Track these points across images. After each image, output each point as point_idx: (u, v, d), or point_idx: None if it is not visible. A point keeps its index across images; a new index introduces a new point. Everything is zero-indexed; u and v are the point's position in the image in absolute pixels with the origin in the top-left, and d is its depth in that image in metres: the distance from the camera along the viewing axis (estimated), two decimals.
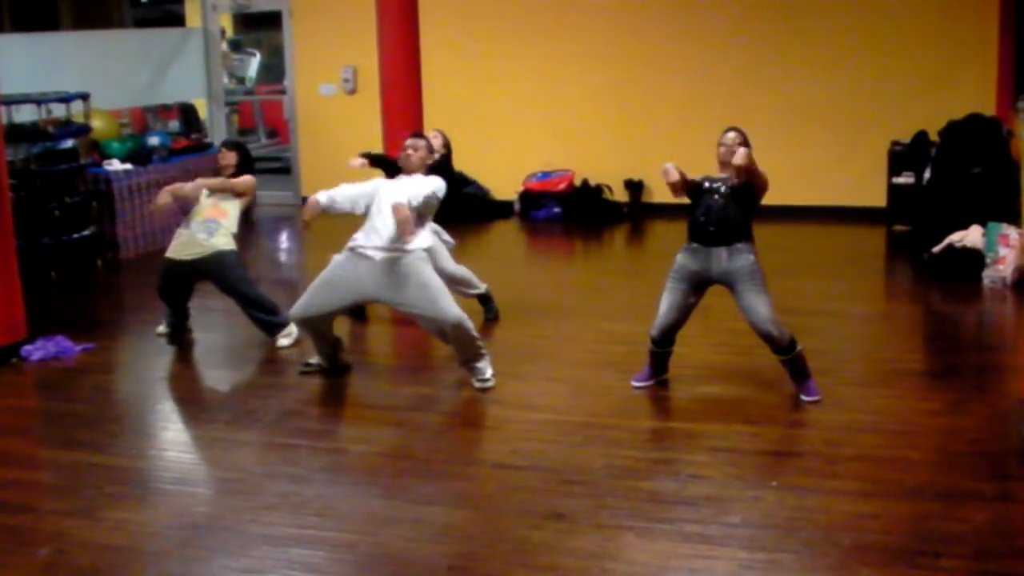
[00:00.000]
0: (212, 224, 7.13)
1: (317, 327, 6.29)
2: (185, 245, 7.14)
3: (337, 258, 6.23)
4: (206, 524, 4.61)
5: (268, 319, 7.13)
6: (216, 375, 7.03)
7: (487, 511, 4.67)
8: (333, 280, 6.18)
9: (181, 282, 7.28)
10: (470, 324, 6.06)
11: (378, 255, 6.07)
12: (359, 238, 6.17)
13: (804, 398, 5.77)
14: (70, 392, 6.45)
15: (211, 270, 7.12)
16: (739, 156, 5.57)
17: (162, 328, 7.48)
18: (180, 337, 7.45)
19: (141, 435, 5.80)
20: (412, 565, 4.18)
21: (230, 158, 7.36)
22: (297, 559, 4.25)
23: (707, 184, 5.81)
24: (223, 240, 7.14)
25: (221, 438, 5.75)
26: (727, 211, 5.72)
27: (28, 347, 6.96)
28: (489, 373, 6.17)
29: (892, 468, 4.91)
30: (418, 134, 6.77)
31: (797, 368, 5.79)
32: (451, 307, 6.03)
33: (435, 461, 5.26)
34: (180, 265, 7.16)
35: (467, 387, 6.34)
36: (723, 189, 5.74)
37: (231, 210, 7.21)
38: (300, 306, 6.23)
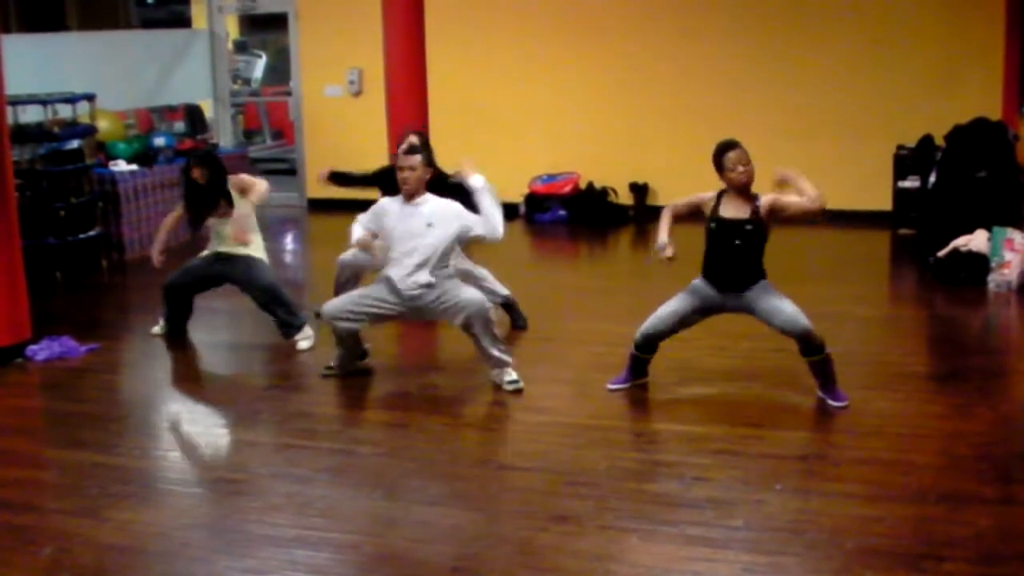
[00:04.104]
0: (238, 246, 7.14)
1: (349, 328, 6.29)
2: (220, 246, 7.19)
3: (378, 285, 6.29)
4: (210, 524, 4.62)
5: (289, 319, 7.13)
6: (221, 376, 7.05)
7: (491, 513, 4.68)
8: (370, 301, 6.24)
9: (202, 281, 7.28)
10: (487, 310, 6.13)
11: (414, 291, 6.15)
12: (392, 274, 6.19)
13: (833, 403, 5.70)
14: (75, 392, 6.46)
15: (240, 268, 7.13)
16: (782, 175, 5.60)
17: (157, 328, 7.48)
18: (181, 337, 7.45)
19: (145, 435, 5.80)
20: (416, 566, 4.19)
21: (198, 175, 7.13)
22: (301, 560, 4.25)
23: (718, 224, 5.70)
24: (255, 251, 7.19)
25: (225, 439, 5.76)
26: (744, 257, 5.68)
27: (33, 347, 6.97)
28: (515, 375, 6.16)
29: (896, 471, 4.90)
30: (412, 147, 6.49)
31: (827, 371, 5.74)
32: (472, 293, 6.18)
33: (439, 463, 5.26)
34: (210, 259, 7.19)
35: (472, 389, 6.35)
36: (744, 229, 5.65)
37: (249, 227, 7.14)
38: (336, 308, 6.25)
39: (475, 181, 6.29)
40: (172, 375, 7.03)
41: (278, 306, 7.12)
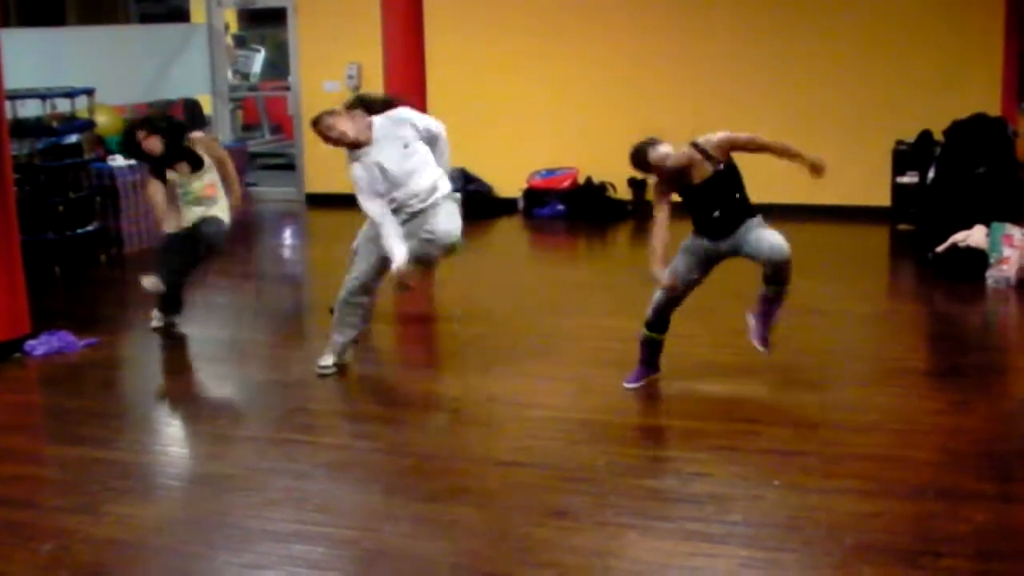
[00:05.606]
0: (207, 200, 7.17)
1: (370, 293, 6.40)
2: (187, 219, 7.20)
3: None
4: (209, 520, 4.62)
5: (174, 297, 7.27)
6: (219, 371, 7.04)
7: (489, 508, 4.68)
8: (372, 248, 6.26)
9: (183, 252, 7.27)
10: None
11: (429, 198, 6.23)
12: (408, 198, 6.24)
13: (756, 343, 5.85)
14: (73, 387, 6.46)
15: (204, 231, 7.16)
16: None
17: (156, 322, 7.48)
18: (177, 333, 7.45)
19: (144, 430, 5.81)
20: (413, 562, 4.19)
21: (155, 144, 7.12)
22: (299, 555, 4.25)
23: (692, 194, 5.71)
24: (221, 212, 7.22)
25: (224, 434, 5.76)
26: (727, 205, 5.66)
27: (31, 342, 6.97)
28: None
29: (894, 467, 4.90)
30: (314, 120, 6.28)
31: (776, 307, 5.79)
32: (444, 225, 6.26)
33: (437, 458, 5.26)
34: (183, 234, 7.20)
35: (469, 385, 6.35)
36: (711, 190, 5.65)
37: (216, 179, 7.23)
38: (361, 273, 6.30)
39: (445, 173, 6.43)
40: (170, 370, 7.03)
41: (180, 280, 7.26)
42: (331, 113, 6.24)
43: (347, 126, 6.15)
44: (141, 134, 7.13)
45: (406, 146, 6.19)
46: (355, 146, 6.19)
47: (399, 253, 6.07)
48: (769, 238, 5.64)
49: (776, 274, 5.68)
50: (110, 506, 4.71)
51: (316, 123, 6.23)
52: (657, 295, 5.88)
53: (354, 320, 6.35)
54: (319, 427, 5.78)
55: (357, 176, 6.19)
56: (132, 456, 5.35)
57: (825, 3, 10.83)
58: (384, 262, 6.24)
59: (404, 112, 6.37)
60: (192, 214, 7.17)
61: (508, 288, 7.44)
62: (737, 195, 5.69)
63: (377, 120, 6.26)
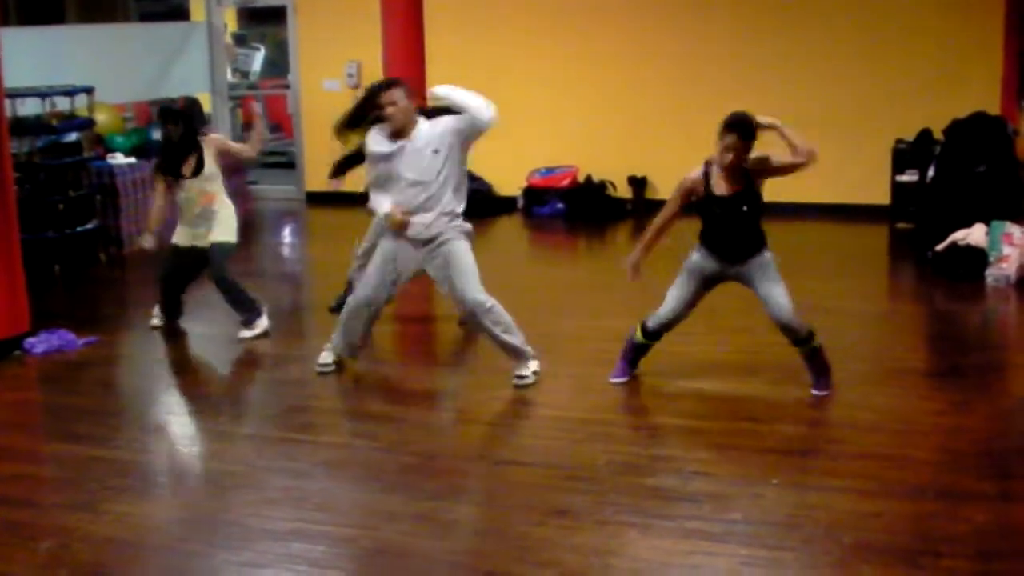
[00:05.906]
0: (207, 212, 7.14)
1: (374, 314, 6.25)
2: (190, 236, 7.17)
3: (385, 243, 6.15)
4: (208, 518, 4.62)
5: (247, 312, 7.21)
6: (219, 369, 7.05)
7: (489, 507, 4.68)
8: (389, 257, 6.10)
9: (186, 269, 7.28)
10: (488, 307, 5.98)
11: (424, 231, 5.95)
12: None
13: (814, 392, 5.78)
14: (73, 385, 6.46)
15: (210, 258, 7.15)
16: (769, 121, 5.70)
17: (156, 320, 7.47)
18: (177, 331, 7.45)
19: (143, 429, 5.80)
20: (413, 560, 4.19)
21: (171, 130, 7.18)
22: (298, 553, 4.25)
23: (717, 207, 5.65)
24: (222, 234, 7.16)
25: (223, 432, 5.76)
26: (742, 230, 5.66)
27: (31, 340, 6.97)
28: (528, 371, 6.09)
29: (894, 467, 4.90)
30: (388, 82, 6.03)
31: (818, 360, 5.78)
32: (469, 290, 5.97)
33: (437, 457, 5.26)
34: (187, 250, 7.19)
35: (470, 384, 6.35)
36: (736, 206, 5.61)
37: (217, 189, 7.20)
38: (371, 289, 6.14)
39: (439, 90, 5.90)
40: (170, 368, 7.03)
41: (229, 300, 7.18)
42: (406, 88, 5.92)
43: (405, 112, 5.86)
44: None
45: (436, 151, 5.85)
46: (396, 134, 5.91)
47: (384, 206, 5.96)
48: (777, 301, 5.66)
49: (785, 333, 5.74)
50: (109, 504, 4.71)
51: (392, 85, 5.89)
52: (665, 312, 5.88)
53: (356, 327, 6.30)
54: (318, 425, 5.77)
55: (370, 152, 6.04)
56: (131, 454, 5.35)
57: (825, 2, 10.82)
58: (393, 287, 6.21)
59: (445, 122, 5.89)
60: (197, 235, 7.17)
61: (508, 287, 7.40)
62: (757, 219, 5.70)
63: (422, 121, 5.96)
